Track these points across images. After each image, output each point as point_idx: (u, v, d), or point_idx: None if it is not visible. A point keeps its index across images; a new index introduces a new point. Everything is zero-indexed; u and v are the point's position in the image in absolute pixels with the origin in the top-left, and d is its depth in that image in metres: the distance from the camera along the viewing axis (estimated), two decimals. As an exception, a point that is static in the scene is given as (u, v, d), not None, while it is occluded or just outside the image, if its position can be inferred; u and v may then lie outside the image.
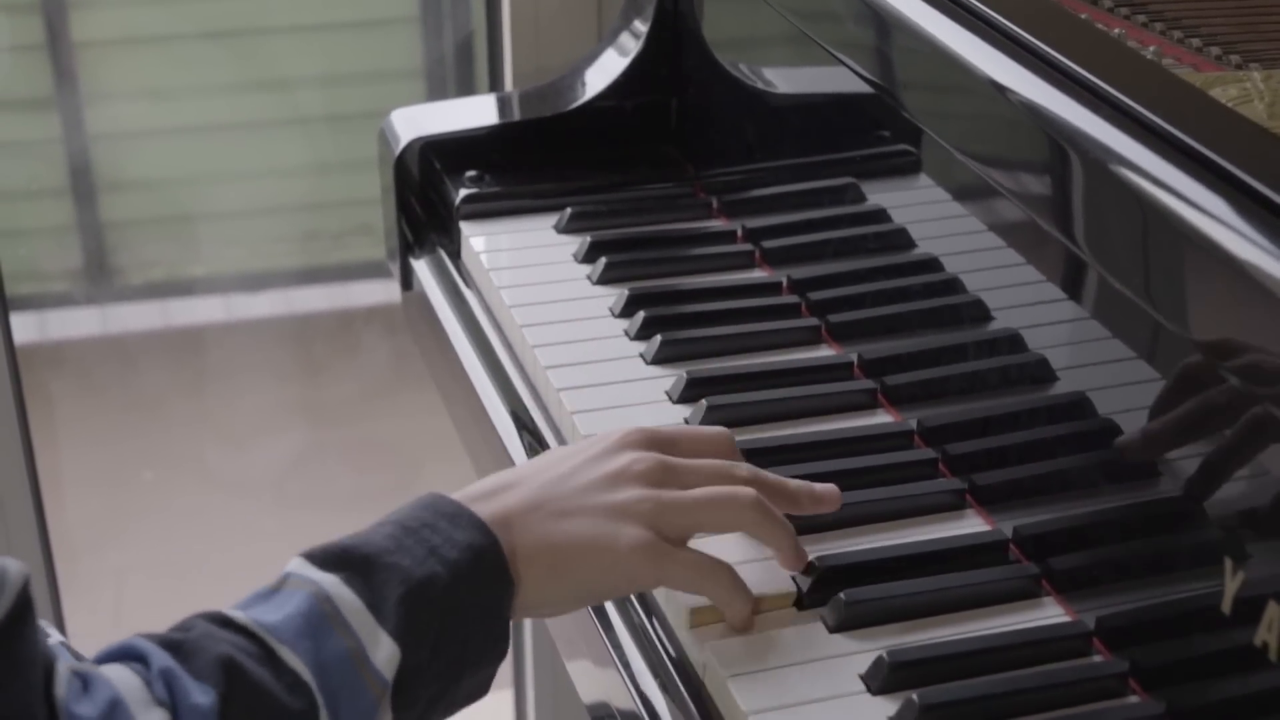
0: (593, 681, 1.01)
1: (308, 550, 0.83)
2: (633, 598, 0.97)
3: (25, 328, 2.67)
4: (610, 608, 0.98)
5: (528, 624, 2.05)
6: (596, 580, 0.89)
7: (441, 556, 0.83)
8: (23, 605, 0.68)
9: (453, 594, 0.82)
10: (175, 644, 0.76)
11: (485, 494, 0.89)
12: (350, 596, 0.80)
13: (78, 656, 0.77)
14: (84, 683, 0.73)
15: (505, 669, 2.27)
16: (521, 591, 0.86)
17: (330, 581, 0.80)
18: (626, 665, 0.94)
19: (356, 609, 0.80)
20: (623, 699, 0.94)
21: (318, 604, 0.79)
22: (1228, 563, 0.78)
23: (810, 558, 0.94)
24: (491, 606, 0.84)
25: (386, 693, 0.79)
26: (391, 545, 0.82)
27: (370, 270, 2.80)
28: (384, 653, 0.79)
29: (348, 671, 0.78)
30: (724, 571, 0.90)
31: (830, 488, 0.96)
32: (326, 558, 0.82)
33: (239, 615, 0.79)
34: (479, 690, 0.87)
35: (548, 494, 0.89)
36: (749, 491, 0.91)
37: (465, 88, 2.63)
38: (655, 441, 0.93)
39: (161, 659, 0.75)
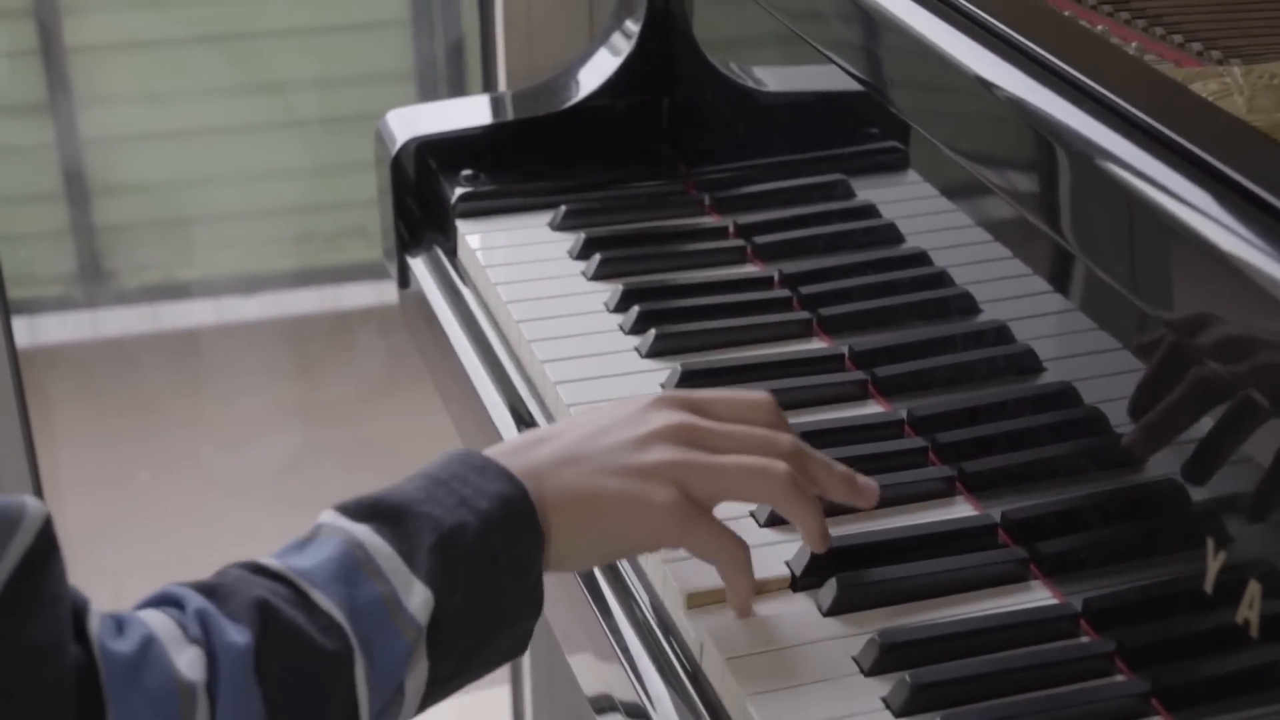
0: (594, 673, 1.02)
1: (339, 503, 0.83)
2: (632, 585, 0.99)
3: (21, 331, 2.68)
4: (610, 598, 1.00)
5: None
6: (624, 535, 0.89)
7: (472, 506, 0.83)
8: (47, 542, 0.69)
9: (484, 542, 0.82)
10: (210, 588, 0.77)
11: (514, 449, 0.89)
12: (382, 544, 0.80)
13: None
14: (118, 624, 0.74)
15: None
16: (552, 543, 0.86)
17: (362, 531, 0.81)
18: (628, 655, 0.96)
19: (389, 556, 0.80)
20: (624, 690, 0.95)
21: (350, 551, 0.80)
22: (1210, 543, 0.80)
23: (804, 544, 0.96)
24: (522, 556, 0.84)
25: (421, 638, 0.79)
26: (422, 496, 0.83)
27: (365, 272, 2.80)
28: (417, 598, 0.79)
29: (381, 616, 0.78)
30: (743, 550, 0.90)
31: (869, 483, 0.95)
32: (358, 509, 0.83)
33: (272, 562, 0.80)
34: (517, 646, 0.87)
35: (578, 450, 0.89)
36: (782, 465, 0.89)
37: (456, 89, 2.64)
38: (689, 404, 0.92)
39: (196, 601, 0.76)
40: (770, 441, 0.91)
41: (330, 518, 0.83)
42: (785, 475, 0.89)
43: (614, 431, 0.90)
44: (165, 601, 0.77)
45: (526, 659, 2.17)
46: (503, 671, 2.25)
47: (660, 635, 0.95)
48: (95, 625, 0.71)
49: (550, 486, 0.87)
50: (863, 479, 0.95)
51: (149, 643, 0.72)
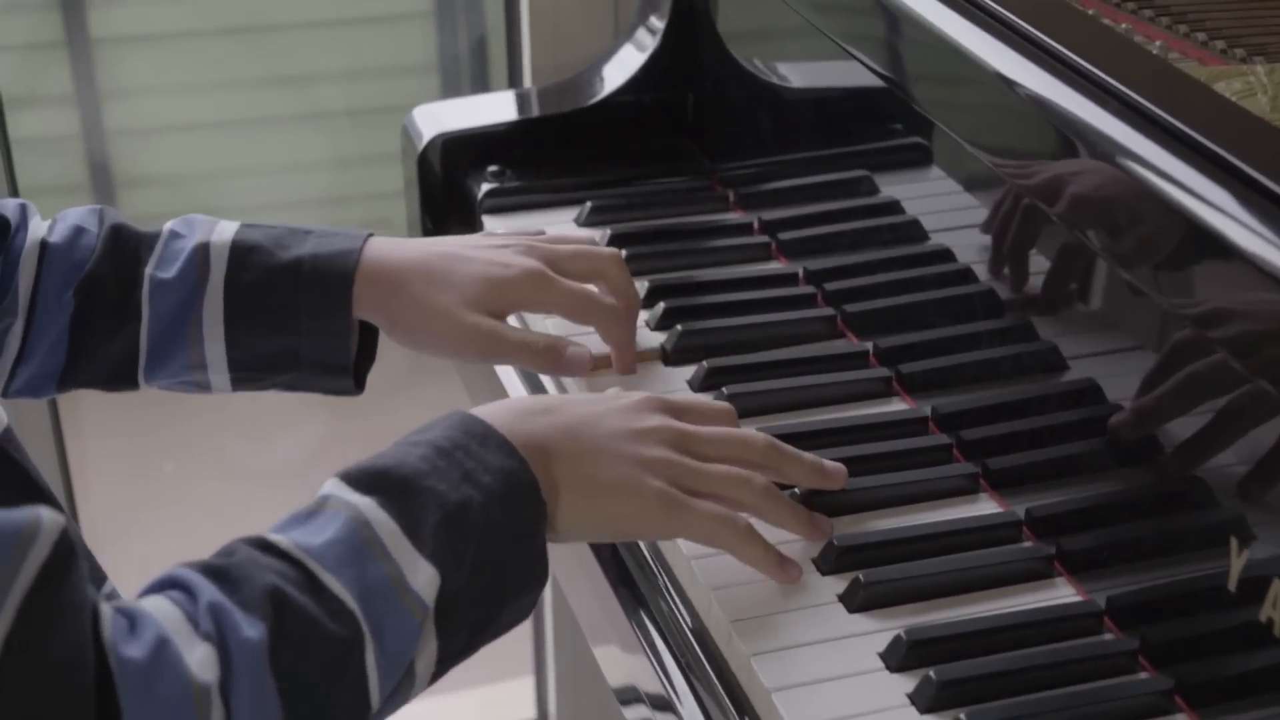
0: (619, 666, 1.03)
1: (344, 470, 0.83)
2: (661, 579, 1.00)
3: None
4: (641, 587, 1.00)
5: (548, 610, 2.07)
6: (621, 519, 0.92)
7: (475, 481, 0.84)
8: (63, 552, 0.68)
9: (488, 517, 0.83)
10: (220, 571, 0.76)
11: (515, 414, 0.91)
12: (387, 521, 0.80)
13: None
14: (129, 621, 0.72)
15: (525, 654, 2.29)
16: (555, 516, 0.88)
17: (367, 505, 0.81)
18: (653, 649, 0.96)
19: (394, 534, 0.80)
20: (650, 682, 0.96)
21: (357, 529, 0.80)
22: (1233, 542, 0.80)
23: (830, 539, 0.96)
24: (525, 529, 0.85)
25: (428, 617, 0.80)
26: (426, 467, 0.83)
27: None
28: (423, 577, 0.80)
29: (389, 597, 0.79)
30: (739, 522, 0.93)
31: (838, 466, 0.99)
32: (363, 479, 0.82)
33: (282, 540, 0.79)
34: (520, 615, 0.88)
35: (583, 430, 0.91)
36: (760, 480, 0.94)
37: (479, 83, 2.64)
38: (670, 409, 0.96)
39: (208, 592, 0.75)
40: (747, 440, 0.96)
41: (335, 488, 0.83)
42: (763, 487, 0.95)
43: (612, 420, 0.93)
44: (174, 585, 0.76)
45: (550, 650, 2.18)
46: (527, 662, 2.26)
47: (686, 628, 0.96)
48: (108, 629, 0.71)
49: (558, 462, 0.89)
50: (830, 464, 0.99)
51: (162, 646, 0.71)
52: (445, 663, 0.83)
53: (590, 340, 1.14)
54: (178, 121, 2.74)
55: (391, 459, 0.84)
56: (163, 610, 0.74)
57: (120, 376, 1.11)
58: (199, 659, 0.72)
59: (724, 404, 1.00)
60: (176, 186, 2.78)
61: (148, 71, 2.70)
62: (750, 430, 0.98)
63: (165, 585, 0.77)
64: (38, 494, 0.89)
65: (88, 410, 2.68)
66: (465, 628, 0.83)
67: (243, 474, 2.81)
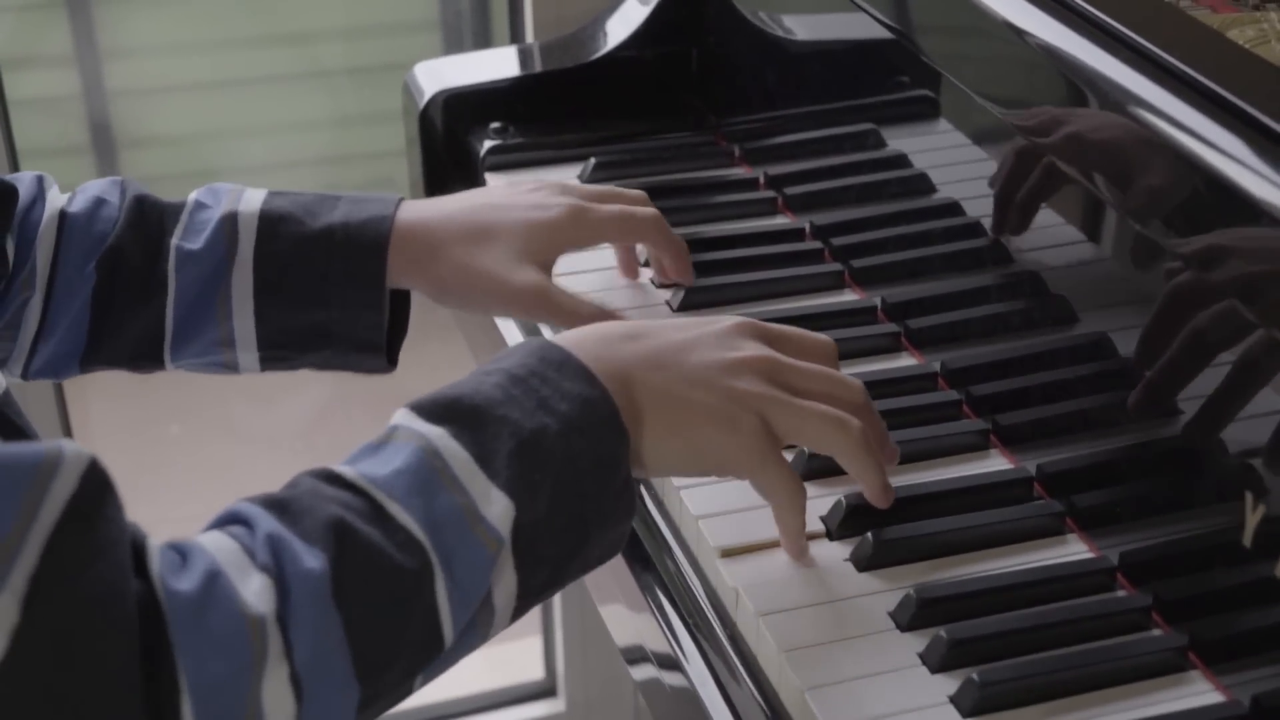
0: (626, 625, 1.02)
1: (415, 401, 0.81)
2: (668, 539, 0.99)
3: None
4: (647, 546, 1.00)
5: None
6: (708, 452, 0.88)
7: (551, 408, 0.81)
8: (96, 486, 0.66)
9: (565, 446, 0.80)
10: (281, 504, 0.75)
11: (599, 339, 0.88)
12: (459, 450, 0.78)
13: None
14: (181, 556, 0.71)
15: (533, 614, 2.28)
16: (640, 446, 0.85)
17: (438, 434, 0.79)
18: (660, 608, 0.96)
19: (465, 463, 0.78)
20: (657, 641, 0.96)
21: (426, 459, 0.78)
22: (1248, 497, 0.80)
23: (839, 497, 0.96)
24: (606, 458, 0.82)
25: (503, 548, 0.78)
26: (500, 395, 0.81)
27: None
28: (497, 508, 0.77)
29: (460, 528, 0.76)
30: (803, 494, 0.90)
31: (896, 447, 0.96)
32: (434, 409, 0.80)
33: (347, 471, 0.77)
34: (611, 550, 0.85)
35: (670, 358, 0.88)
36: (857, 422, 0.89)
37: (482, 39, 2.63)
38: (766, 336, 0.92)
39: (267, 523, 0.73)
40: (845, 386, 0.91)
41: (405, 418, 0.81)
42: (859, 432, 0.89)
43: (702, 349, 0.89)
44: (234, 520, 0.75)
45: (558, 610, 2.18)
46: (535, 622, 2.26)
47: (694, 588, 0.95)
48: (156, 563, 0.69)
49: (644, 391, 0.86)
50: (891, 443, 0.96)
51: (213, 578, 0.70)
52: (528, 598, 0.81)
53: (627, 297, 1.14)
54: (180, 81, 2.73)
55: (464, 388, 0.82)
56: (218, 544, 0.72)
57: (145, 355, 1.09)
58: (254, 590, 0.70)
59: (824, 337, 0.95)
60: (178, 146, 2.77)
61: (148, 31, 2.69)
62: (844, 377, 0.93)
63: (225, 521, 0.75)
64: None
65: (91, 373, 2.67)
66: (547, 562, 0.80)
67: (249, 435, 2.81)
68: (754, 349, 0.90)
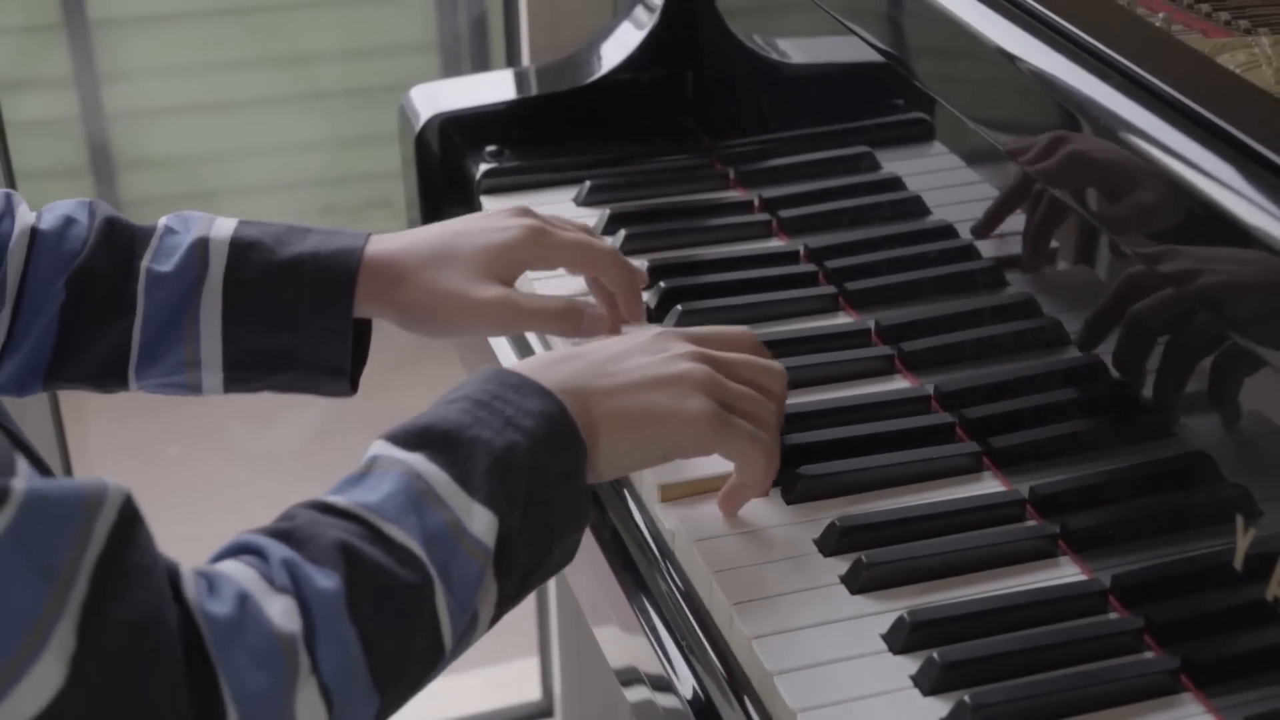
0: (620, 646, 1.02)
1: (388, 432, 0.85)
2: (661, 561, 0.99)
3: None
4: (642, 569, 1.00)
5: (552, 592, 2.07)
6: (664, 441, 0.93)
7: (517, 425, 0.85)
8: (129, 517, 0.69)
9: (534, 459, 0.85)
10: (285, 533, 0.78)
11: (543, 365, 0.93)
12: (438, 472, 0.82)
13: None
14: (209, 583, 0.74)
15: (530, 635, 2.29)
16: (596, 453, 0.90)
17: (417, 459, 0.82)
18: (653, 630, 0.96)
19: (446, 483, 0.82)
20: (650, 663, 0.96)
21: (411, 482, 0.81)
22: (1239, 520, 0.80)
23: (832, 519, 0.96)
24: (568, 469, 0.87)
25: (489, 560, 0.82)
26: (468, 420, 0.85)
27: (389, 243, 2.80)
28: (480, 522, 0.81)
29: (451, 543, 0.80)
30: (774, 445, 0.96)
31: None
32: (409, 437, 0.84)
33: (338, 500, 0.80)
34: (565, 558, 0.89)
35: (613, 366, 0.93)
36: (777, 407, 0.97)
37: (479, 61, 2.64)
38: (689, 336, 0.98)
39: (278, 550, 0.76)
40: (770, 369, 0.99)
41: (383, 448, 0.84)
42: (779, 414, 0.98)
43: (638, 354, 0.95)
44: (243, 550, 0.78)
45: (555, 631, 2.18)
46: (532, 643, 2.26)
47: (686, 610, 0.95)
48: (191, 589, 0.72)
49: (594, 401, 0.91)
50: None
51: (244, 600, 0.73)
52: (503, 605, 0.85)
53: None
54: (177, 103, 2.74)
55: (432, 416, 0.86)
56: (237, 571, 0.75)
57: (110, 374, 1.10)
58: (280, 610, 0.74)
59: (743, 329, 1.02)
60: (177, 168, 2.78)
61: (146, 53, 2.69)
62: (767, 363, 0.99)
63: (234, 551, 0.78)
64: (33, 462, 0.89)
65: (89, 395, 2.67)
66: (519, 569, 0.84)
67: (246, 456, 2.81)
68: (683, 347, 0.96)
